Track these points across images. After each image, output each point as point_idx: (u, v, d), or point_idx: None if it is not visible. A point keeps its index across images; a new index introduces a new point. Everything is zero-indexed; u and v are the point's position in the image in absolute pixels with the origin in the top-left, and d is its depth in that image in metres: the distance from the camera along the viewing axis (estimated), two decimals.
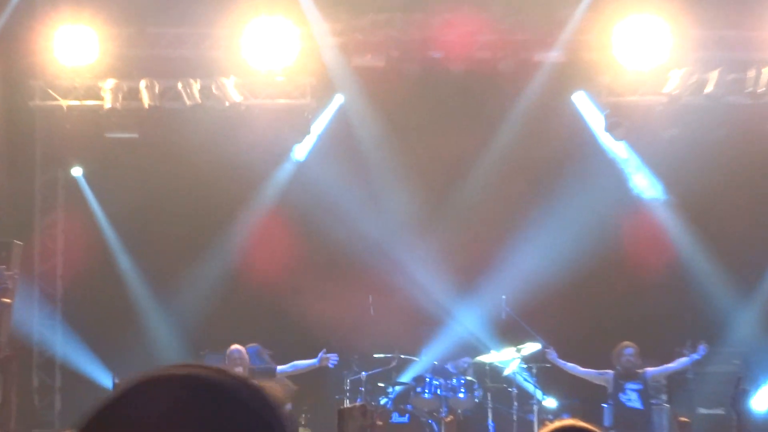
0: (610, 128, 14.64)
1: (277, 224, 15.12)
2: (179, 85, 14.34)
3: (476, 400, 13.55)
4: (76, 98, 14.62)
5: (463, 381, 13.48)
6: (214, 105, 14.36)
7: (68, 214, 15.55)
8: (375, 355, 13.86)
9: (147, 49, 14.43)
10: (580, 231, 14.57)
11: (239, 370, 12.32)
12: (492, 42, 14.29)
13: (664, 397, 13.56)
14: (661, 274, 15.05)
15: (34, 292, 15.07)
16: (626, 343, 13.11)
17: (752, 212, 15.07)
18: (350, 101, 15.09)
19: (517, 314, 13.77)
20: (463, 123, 15.09)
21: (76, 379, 14.95)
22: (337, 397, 13.62)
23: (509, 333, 13.90)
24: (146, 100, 14.29)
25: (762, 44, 14.22)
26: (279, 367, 13.02)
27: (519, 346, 13.39)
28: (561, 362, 13.23)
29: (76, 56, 14.04)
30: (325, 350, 12.94)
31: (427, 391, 13.39)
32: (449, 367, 13.81)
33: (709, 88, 14.14)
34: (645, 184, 15.32)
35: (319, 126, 15.13)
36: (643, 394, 13.01)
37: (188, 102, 14.29)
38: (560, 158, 14.94)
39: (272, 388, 1.55)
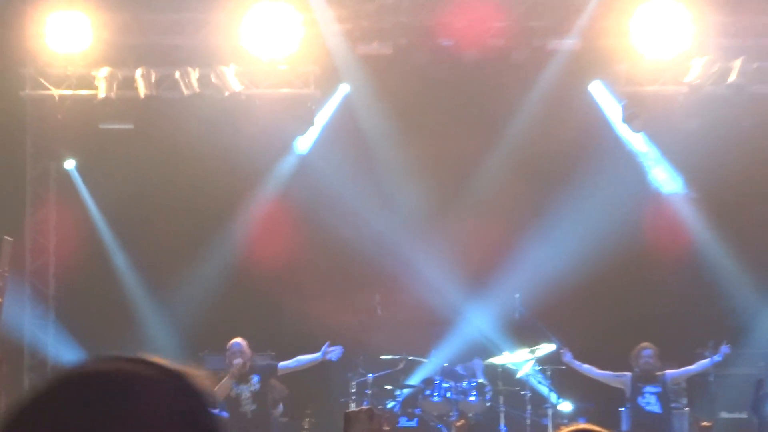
0: (628, 119, 14.60)
1: (279, 220, 15.13)
2: (177, 74, 14.26)
3: (488, 404, 13.58)
4: (69, 87, 14.53)
5: (474, 383, 13.54)
6: (213, 94, 14.27)
7: (61, 208, 15.49)
8: (382, 357, 13.87)
9: (143, 35, 14.37)
10: (597, 227, 14.50)
11: (239, 362, 12.47)
12: (505, 29, 14.25)
13: (684, 400, 13.62)
14: (680, 272, 15.06)
15: (25, 290, 14.94)
16: (645, 344, 13.06)
17: None
18: (356, 91, 15.03)
19: (531, 314, 13.73)
20: (475, 114, 15.14)
21: None
22: (342, 400, 13.58)
23: (523, 333, 13.88)
24: (142, 90, 14.21)
25: None
26: (281, 363, 13.05)
27: (533, 347, 13.38)
28: (577, 364, 13.25)
29: (68, 43, 13.96)
30: (329, 343, 12.91)
31: (436, 394, 13.39)
32: (459, 369, 13.81)
33: (732, 77, 14.08)
34: (664, 178, 15.27)
35: (323, 117, 15.06)
36: (663, 398, 12.95)
37: (186, 91, 14.21)
38: (576, 151, 14.87)
39: (200, 377, 1.58)
